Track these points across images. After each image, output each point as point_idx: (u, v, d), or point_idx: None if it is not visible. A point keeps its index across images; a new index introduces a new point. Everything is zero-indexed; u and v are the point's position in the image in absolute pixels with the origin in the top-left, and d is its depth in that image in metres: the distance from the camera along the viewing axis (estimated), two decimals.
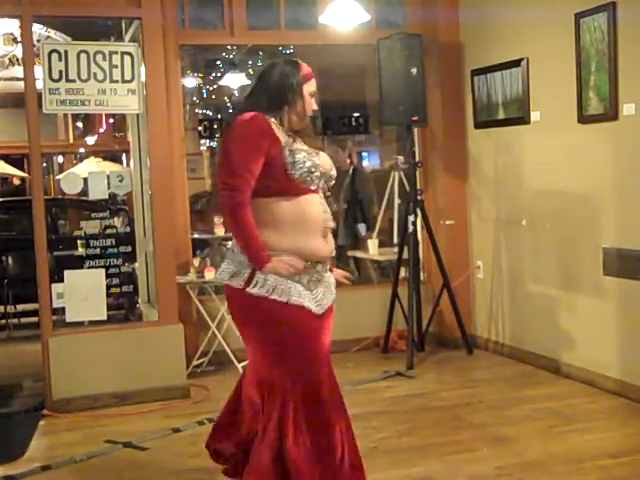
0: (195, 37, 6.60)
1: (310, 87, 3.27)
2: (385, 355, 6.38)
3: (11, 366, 6.66)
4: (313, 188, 3.12)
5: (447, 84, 6.60)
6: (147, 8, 5.44)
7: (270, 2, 6.50)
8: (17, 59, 8.58)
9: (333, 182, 3.27)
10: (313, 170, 3.09)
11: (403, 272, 6.48)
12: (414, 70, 6.12)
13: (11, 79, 8.90)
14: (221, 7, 6.28)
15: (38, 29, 7.19)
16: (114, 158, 16.35)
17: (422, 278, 6.63)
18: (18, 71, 8.23)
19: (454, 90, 6.59)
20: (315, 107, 3.30)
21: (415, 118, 6.18)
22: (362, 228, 7.99)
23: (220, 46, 10.82)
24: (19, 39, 6.96)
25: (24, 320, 8.48)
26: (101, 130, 18.21)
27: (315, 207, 3.11)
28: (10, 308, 8.46)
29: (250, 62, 13.25)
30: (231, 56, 12.89)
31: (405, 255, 6.27)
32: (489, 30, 6.20)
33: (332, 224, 3.21)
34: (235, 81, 12.82)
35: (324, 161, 3.21)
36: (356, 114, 6.92)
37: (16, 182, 18.62)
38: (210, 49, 11.90)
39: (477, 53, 6.39)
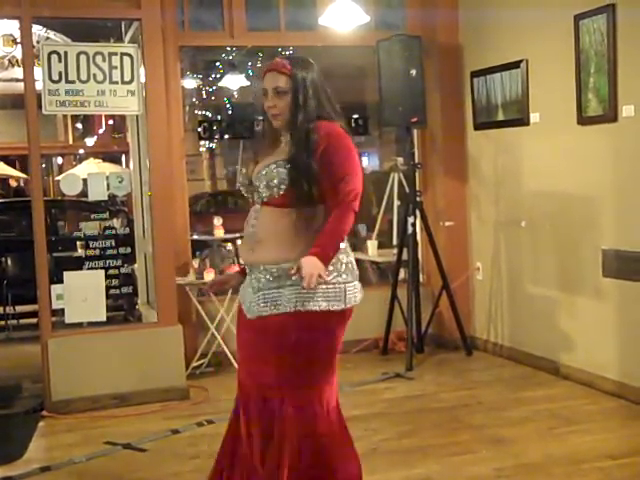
0: (195, 38, 6.60)
1: (263, 85, 3.06)
2: (384, 356, 6.37)
3: (10, 367, 6.66)
4: (251, 201, 3.12)
5: (446, 85, 6.60)
6: (147, 9, 5.43)
7: (270, 3, 6.51)
8: (17, 60, 8.60)
9: (268, 192, 2.98)
10: (240, 184, 3.15)
11: (402, 273, 6.49)
12: (413, 71, 6.12)
13: (10, 80, 8.91)
14: (220, 9, 6.28)
15: (37, 30, 7.21)
16: (113, 159, 16.38)
17: (421, 279, 6.63)
18: (17, 72, 8.25)
19: (453, 91, 6.59)
20: (266, 104, 3.04)
21: (414, 119, 6.18)
22: (362, 228, 7.99)
23: (219, 47, 10.84)
24: (19, 40, 6.98)
25: (23, 321, 8.47)
26: (100, 131, 18.23)
27: (248, 219, 3.11)
28: (9, 309, 8.46)
29: (249, 63, 13.26)
30: (231, 57, 12.90)
31: (404, 256, 6.27)
32: (488, 32, 6.20)
33: (253, 238, 3.02)
34: (234, 82, 12.84)
35: (256, 173, 3.06)
36: (355, 115, 6.91)
37: (13, 183, 18.66)
38: (209, 50, 11.92)
39: (476, 55, 6.39)
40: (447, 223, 6.65)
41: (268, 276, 2.99)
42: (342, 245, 2.99)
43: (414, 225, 6.24)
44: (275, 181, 2.97)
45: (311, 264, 2.80)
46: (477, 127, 6.43)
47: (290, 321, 2.96)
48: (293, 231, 2.97)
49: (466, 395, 5.32)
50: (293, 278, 2.85)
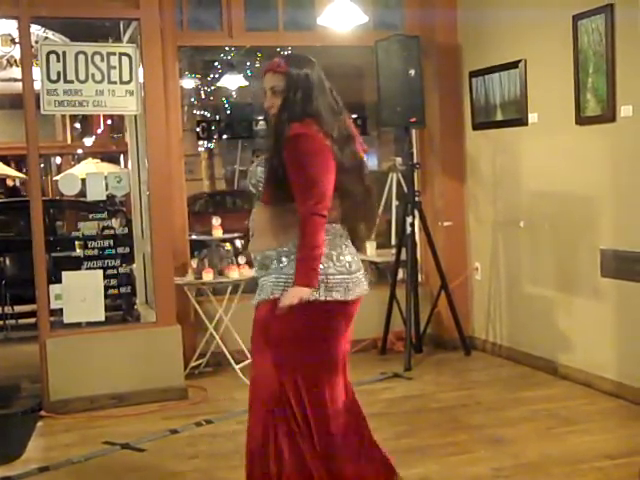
0: (193, 38, 6.60)
1: (263, 85, 3.14)
2: (383, 356, 6.37)
3: (9, 367, 6.65)
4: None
5: (445, 86, 6.60)
6: (145, 9, 5.43)
7: (268, 3, 6.50)
8: (15, 60, 8.60)
9: (255, 190, 3.10)
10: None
11: (401, 273, 6.49)
12: (412, 71, 6.12)
13: (9, 80, 8.91)
14: (219, 8, 6.28)
15: (36, 30, 7.21)
16: (112, 159, 16.36)
17: (420, 279, 6.63)
18: (16, 72, 8.25)
19: (452, 92, 6.59)
20: (265, 104, 3.13)
21: (413, 120, 6.18)
22: None
23: (218, 47, 10.85)
24: (17, 40, 6.97)
25: (22, 321, 8.47)
26: (99, 131, 18.21)
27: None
28: (8, 309, 8.45)
29: (248, 63, 13.26)
30: (229, 57, 12.90)
31: (403, 256, 6.27)
32: (487, 32, 6.20)
33: (251, 233, 3.16)
34: (233, 82, 12.84)
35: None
36: (354, 115, 6.91)
37: (10, 183, 18.64)
38: (208, 50, 11.93)
39: (475, 55, 6.39)
40: (446, 223, 6.65)
41: (257, 265, 3.13)
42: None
43: (413, 225, 6.24)
44: (253, 180, 3.09)
45: (290, 294, 2.93)
46: (475, 127, 6.43)
47: (269, 309, 3.03)
48: (272, 225, 3.05)
49: (465, 395, 5.33)
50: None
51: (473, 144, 6.53)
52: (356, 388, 5.47)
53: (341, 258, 3.06)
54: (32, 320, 6.91)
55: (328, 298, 3.01)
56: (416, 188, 6.38)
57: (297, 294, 2.91)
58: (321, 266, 2.98)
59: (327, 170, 2.97)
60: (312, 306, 2.97)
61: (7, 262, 8.73)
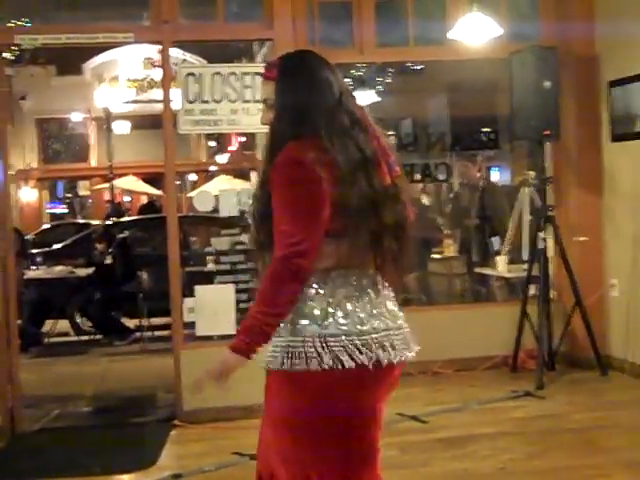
0: (325, 56, 6.62)
1: None
2: (514, 374, 6.22)
3: (145, 377, 6.87)
4: None
5: (582, 97, 6.42)
6: (279, 29, 5.54)
7: (398, 18, 6.51)
8: (154, 82, 8.95)
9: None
10: None
11: (532, 289, 6.33)
12: (548, 83, 5.99)
13: (148, 102, 9.28)
14: (350, 25, 6.33)
15: (174, 53, 7.48)
16: (245, 175, 16.73)
17: (552, 296, 6.45)
18: (153, 94, 8.58)
19: (589, 103, 6.40)
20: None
21: (547, 132, 6.06)
22: (496, 241, 7.81)
23: (348, 64, 10.94)
24: (156, 63, 7.25)
25: (157, 333, 8.72)
26: (232, 148, 18.66)
27: None
28: (145, 321, 8.73)
29: (379, 79, 13.30)
30: (360, 73, 12.97)
31: (535, 272, 6.13)
32: (626, 41, 5.99)
33: None
34: (364, 99, 12.88)
35: None
36: (486, 129, 6.82)
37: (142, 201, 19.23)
38: (339, 67, 12.01)
39: (614, 64, 6.19)
40: (581, 238, 6.45)
41: None
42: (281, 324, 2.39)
43: (545, 240, 6.10)
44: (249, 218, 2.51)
45: (219, 361, 2.37)
46: (614, 139, 6.22)
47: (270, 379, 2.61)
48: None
49: (601, 416, 5.13)
50: None
51: (611, 156, 6.32)
52: (486, 406, 5.41)
53: (337, 315, 2.34)
54: (167, 332, 7.10)
55: (297, 367, 2.40)
56: (549, 202, 6.23)
57: (224, 361, 2.35)
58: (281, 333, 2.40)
59: (313, 206, 2.23)
60: (303, 378, 2.39)
61: (144, 276, 9.05)
